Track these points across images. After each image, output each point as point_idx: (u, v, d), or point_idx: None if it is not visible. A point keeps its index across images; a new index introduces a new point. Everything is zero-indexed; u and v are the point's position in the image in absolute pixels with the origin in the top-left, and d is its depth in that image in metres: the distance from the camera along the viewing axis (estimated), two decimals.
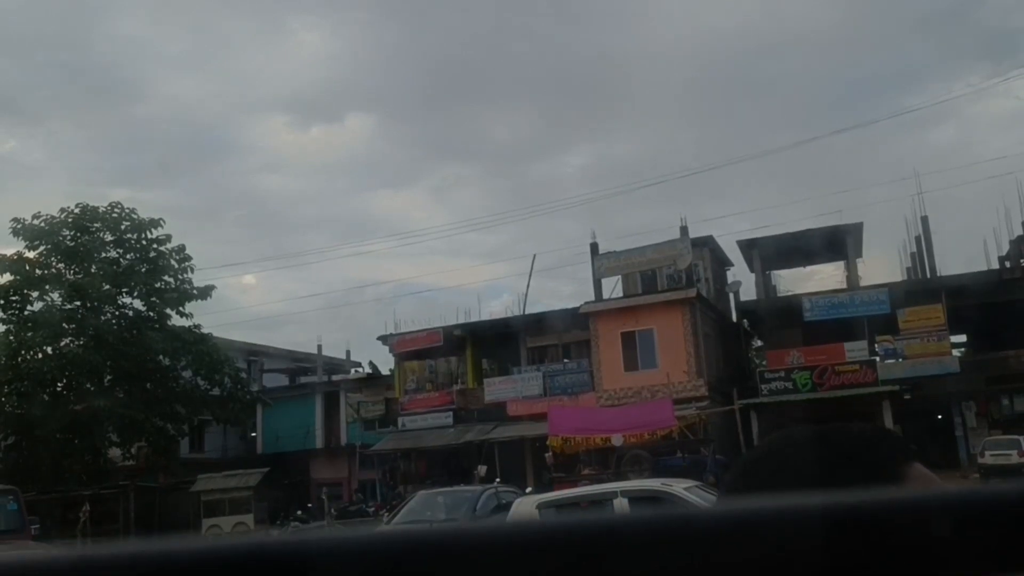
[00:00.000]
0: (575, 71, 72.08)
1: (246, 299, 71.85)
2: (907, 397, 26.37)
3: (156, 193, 73.09)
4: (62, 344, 29.42)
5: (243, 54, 79.40)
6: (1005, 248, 32.71)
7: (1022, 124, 61.36)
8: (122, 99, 73.64)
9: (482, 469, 25.64)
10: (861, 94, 69.98)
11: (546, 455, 25.67)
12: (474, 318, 33.56)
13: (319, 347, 41.25)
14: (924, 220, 31.28)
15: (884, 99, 69.28)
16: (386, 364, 36.54)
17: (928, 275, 30.87)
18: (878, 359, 28.32)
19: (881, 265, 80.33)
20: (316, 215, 79.05)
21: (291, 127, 78.53)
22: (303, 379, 40.52)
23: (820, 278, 54.50)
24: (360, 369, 41.84)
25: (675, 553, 0.46)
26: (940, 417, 29.30)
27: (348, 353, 42.87)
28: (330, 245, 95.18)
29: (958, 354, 30.56)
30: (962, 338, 34.59)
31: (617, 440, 24.46)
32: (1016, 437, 24.66)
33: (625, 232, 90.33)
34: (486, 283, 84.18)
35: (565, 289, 73.99)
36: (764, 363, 31.00)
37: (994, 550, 0.47)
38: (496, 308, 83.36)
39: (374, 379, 36.90)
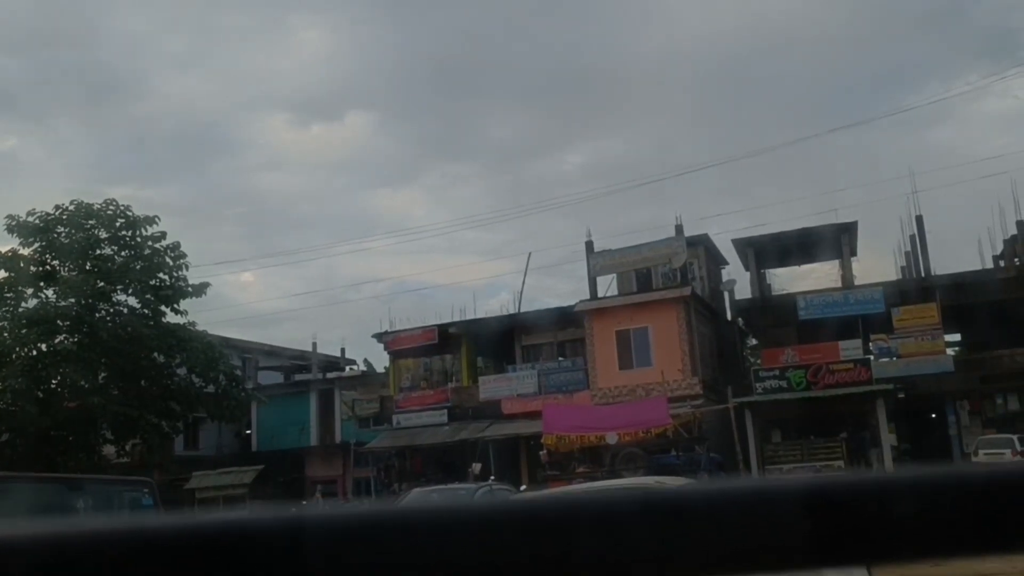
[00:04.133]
0: (574, 70, 72.11)
1: (244, 296, 71.75)
2: (901, 396, 26.43)
3: (156, 191, 73.05)
4: (56, 341, 29.32)
5: (244, 52, 79.37)
6: (1000, 247, 32.80)
7: (1019, 123, 61.49)
8: (123, 97, 73.58)
9: (476, 467, 25.68)
10: (859, 94, 70.05)
11: (541, 453, 25.73)
12: (471, 316, 33.60)
13: (314, 344, 41.26)
14: (919, 219, 31.34)
15: (882, 98, 69.37)
16: (381, 362, 36.61)
17: (923, 274, 30.93)
18: (872, 358, 28.39)
19: (877, 264, 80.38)
20: (316, 213, 79.00)
21: (291, 125, 78.46)
22: (298, 377, 40.51)
23: (817, 277, 54.52)
24: (356, 367, 41.86)
25: (659, 530, 0.47)
26: (934, 416, 29.40)
27: (343, 351, 42.90)
28: (329, 243, 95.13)
29: (953, 353, 30.65)
30: (957, 337, 34.74)
31: (612, 438, 24.52)
32: (1009, 436, 24.78)
33: (626, 230, 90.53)
34: (485, 281, 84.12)
35: (563, 287, 74.00)
36: (759, 361, 31.06)
37: (970, 530, 0.49)
38: (494, 306, 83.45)
39: (369, 377, 36.92)
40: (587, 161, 73.59)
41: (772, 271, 35.66)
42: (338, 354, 43.73)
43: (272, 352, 42.88)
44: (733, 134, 71.41)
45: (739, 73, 71.77)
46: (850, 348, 28.30)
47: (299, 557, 0.45)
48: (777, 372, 27.97)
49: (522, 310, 33.22)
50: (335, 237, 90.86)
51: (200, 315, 32.88)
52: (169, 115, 73.85)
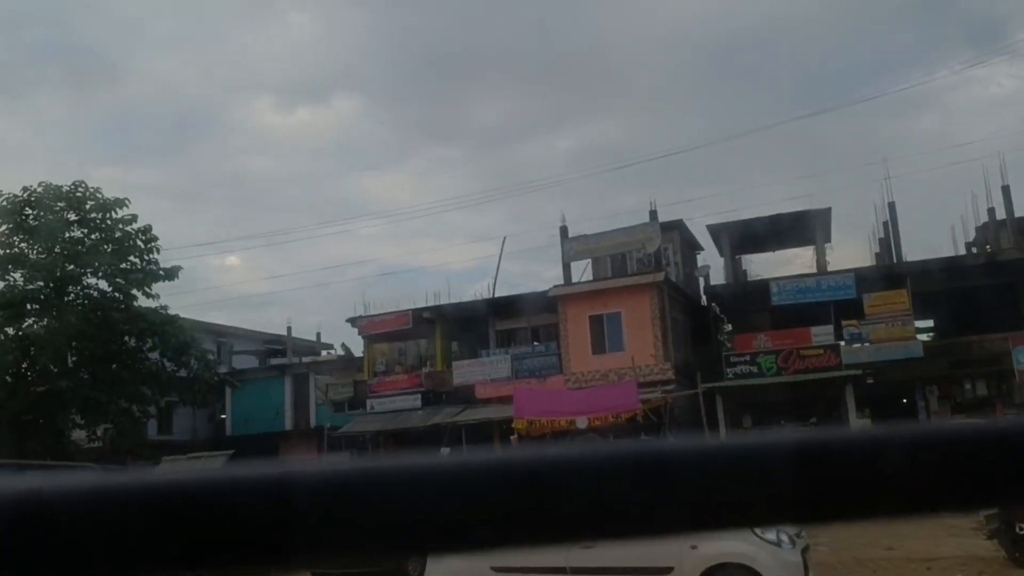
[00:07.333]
0: (562, 54, 71.87)
1: (228, 279, 71.31)
2: (870, 381, 26.57)
3: (141, 172, 72.43)
4: (24, 325, 29.07)
5: (230, 34, 78.72)
6: (973, 235, 32.97)
7: (999, 110, 61.74)
8: (107, 78, 72.89)
9: (446, 452, 25.51)
10: (845, 80, 70.05)
11: (511, 438, 25.73)
12: (456, 300, 33.45)
13: (288, 329, 41.10)
14: (891, 206, 31.44)
15: (868, 86, 69.47)
16: (360, 346, 36.43)
17: (895, 261, 31.05)
18: (843, 343, 28.49)
19: (859, 250, 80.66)
20: (302, 197, 78.61)
21: (277, 108, 77.96)
22: (274, 361, 40.36)
23: (801, 263, 54.64)
24: (333, 351, 41.76)
25: (646, 486, 0.47)
26: (905, 401, 29.56)
27: (318, 335, 42.80)
28: (313, 225, 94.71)
29: (927, 339, 30.83)
30: (930, 323, 34.93)
31: (582, 423, 24.53)
32: (978, 421, 24.92)
33: (614, 213, 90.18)
34: (472, 264, 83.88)
35: (550, 272, 73.80)
36: (734, 347, 31.14)
37: (957, 485, 0.50)
38: (480, 289, 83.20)
39: (344, 361, 36.81)
40: (574, 145, 73.53)
41: (752, 257, 35.77)
42: (316, 338, 43.66)
43: (247, 336, 42.66)
44: (722, 119, 71.45)
45: (727, 58, 71.76)
46: (822, 334, 28.39)
47: (285, 513, 0.45)
48: (748, 357, 28.07)
49: (503, 295, 33.11)
50: (321, 221, 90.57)
51: (184, 298, 32.74)
52: (154, 97, 73.24)
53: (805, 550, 8.75)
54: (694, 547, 8.42)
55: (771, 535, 8.36)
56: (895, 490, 0.49)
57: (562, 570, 8.71)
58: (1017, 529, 10.83)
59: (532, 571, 9.02)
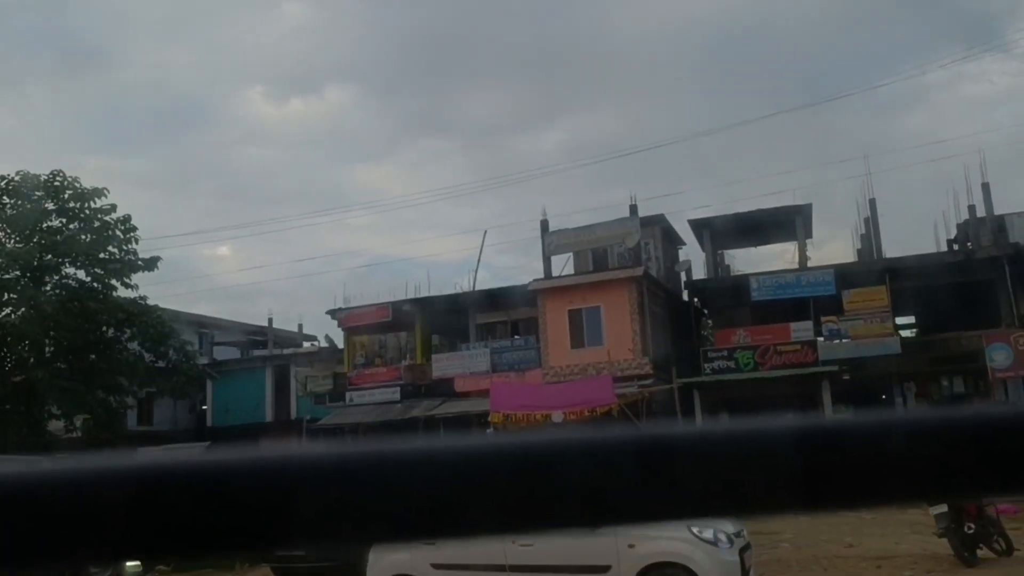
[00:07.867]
0: (555, 48, 71.78)
1: (215, 269, 71.17)
2: (846, 377, 26.60)
3: (132, 162, 72.18)
4: (1, 315, 28.91)
5: (224, 23, 78.43)
6: (954, 232, 32.99)
7: (988, 107, 61.73)
8: (98, 67, 72.57)
9: None
10: (837, 78, 70.09)
11: (487, 432, 25.69)
12: (432, 293, 33.27)
13: (270, 320, 41.08)
14: (872, 202, 31.46)
15: (859, 83, 69.42)
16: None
17: (875, 257, 31.05)
18: (823, 339, 28.50)
19: (841, 246, 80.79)
20: (293, 188, 78.46)
21: (270, 98, 77.71)
22: (255, 352, 40.27)
23: (790, 257, 54.65)
24: (316, 342, 41.64)
25: (649, 471, 0.47)
26: (884, 397, 29.61)
27: (300, 326, 42.65)
28: (303, 214, 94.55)
29: (910, 335, 30.85)
30: (912, 320, 34.99)
31: (557, 417, 24.53)
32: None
33: (604, 206, 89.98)
34: (461, 255, 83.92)
35: (538, 264, 73.73)
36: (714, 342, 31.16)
37: (963, 472, 0.49)
38: (463, 283, 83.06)
39: (327, 352, 36.73)
40: (566, 139, 73.47)
41: (737, 253, 35.84)
42: (304, 330, 43.49)
43: (229, 327, 42.54)
44: (716, 114, 71.40)
45: (718, 54, 71.69)
46: (801, 330, 28.39)
47: (284, 496, 0.44)
48: (725, 353, 28.07)
49: (489, 288, 32.96)
50: (311, 211, 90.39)
51: (171, 287, 32.52)
52: (147, 86, 72.98)
53: (744, 549, 8.72)
54: (632, 546, 8.40)
55: (708, 534, 8.34)
56: (900, 477, 0.48)
57: (501, 567, 8.67)
58: (965, 528, 10.83)
59: (471, 568, 8.98)
